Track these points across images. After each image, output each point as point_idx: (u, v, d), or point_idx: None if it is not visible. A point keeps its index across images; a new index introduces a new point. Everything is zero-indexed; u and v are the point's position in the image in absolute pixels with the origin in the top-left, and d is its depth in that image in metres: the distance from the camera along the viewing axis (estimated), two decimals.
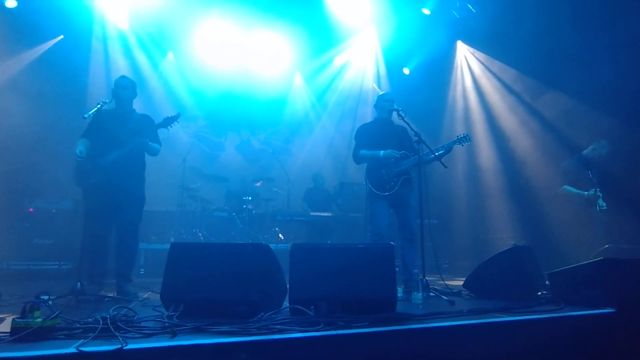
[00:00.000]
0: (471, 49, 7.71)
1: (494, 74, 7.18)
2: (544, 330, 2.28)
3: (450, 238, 7.07)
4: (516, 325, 2.23)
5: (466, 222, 7.56)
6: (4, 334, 1.73)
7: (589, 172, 4.64)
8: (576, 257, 4.62)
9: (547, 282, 3.19)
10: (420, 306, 2.79)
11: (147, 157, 3.67)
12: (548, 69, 6.16)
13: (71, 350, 1.53)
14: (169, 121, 3.49)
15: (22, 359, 1.47)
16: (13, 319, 1.77)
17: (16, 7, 5.97)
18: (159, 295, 2.44)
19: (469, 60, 7.79)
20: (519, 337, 2.20)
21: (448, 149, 3.67)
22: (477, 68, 7.57)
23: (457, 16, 7.24)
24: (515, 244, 3.40)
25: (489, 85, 7.28)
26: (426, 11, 7.12)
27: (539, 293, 3.20)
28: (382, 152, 3.68)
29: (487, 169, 7.18)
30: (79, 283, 2.93)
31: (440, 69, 8.03)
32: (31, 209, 5.36)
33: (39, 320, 1.76)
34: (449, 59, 8.02)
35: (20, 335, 1.71)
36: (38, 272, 5.11)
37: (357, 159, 3.86)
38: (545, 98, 6.24)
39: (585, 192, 4.61)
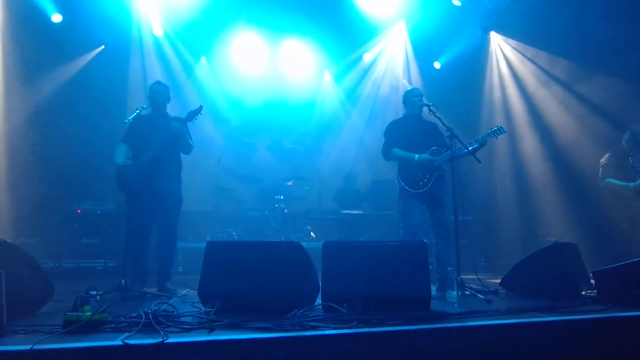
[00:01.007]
0: (505, 38, 7.40)
1: (532, 61, 6.82)
2: (589, 332, 2.16)
3: (487, 235, 6.83)
4: (559, 326, 2.13)
5: (505, 218, 7.28)
6: (57, 327, 1.86)
7: (630, 159, 4.33)
8: (626, 254, 4.35)
9: (592, 281, 3.03)
10: (456, 304, 2.73)
11: (183, 159, 3.81)
12: (590, 53, 5.77)
13: (117, 342, 1.63)
14: (192, 114, 3.58)
15: (73, 349, 1.58)
16: (65, 313, 1.90)
17: (61, 21, 6.40)
18: (197, 292, 2.53)
19: (503, 50, 7.48)
20: (562, 339, 2.10)
21: (482, 143, 3.56)
22: (513, 57, 7.24)
23: (490, 6, 6.98)
24: (555, 241, 3.24)
25: (527, 73, 6.91)
26: (457, 2, 6.91)
27: (583, 292, 3.04)
28: (416, 156, 3.59)
29: (529, 161, 6.85)
30: (123, 280, 3.10)
31: (473, 60, 7.77)
32: (79, 210, 5.70)
33: (88, 314, 1.88)
34: (482, 50, 7.75)
35: (72, 327, 1.83)
36: (86, 269, 5.44)
37: (388, 156, 3.80)
38: (591, 82, 5.83)
39: (632, 184, 4.31)
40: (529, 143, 6.85)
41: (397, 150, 3.70)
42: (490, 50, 7.73)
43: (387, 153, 3.79)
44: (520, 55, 7.10)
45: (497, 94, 7.54)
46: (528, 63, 6.93)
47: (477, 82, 7.86)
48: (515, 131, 6.99)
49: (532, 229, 6.66)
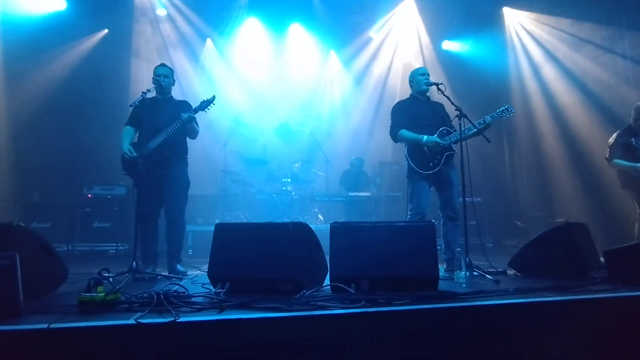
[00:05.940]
0: (524, 12, 7.15)
1: (561, 30, 6.56)
2: (599, 311, 2.16)
3: (497, 217, 6.79)
4: (567, 306, 2.12)
5: (515, 200, 7.21)
6: (72, 307, 1.91)
7: (632, 140, 4.24)
8: (635, 234, 4.31)
9: (602, 261, 3.00)
10: (464, 285, 2.73)
11: (190, 143, 3.81)
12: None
13: (131, 321, 1.67)
14: (205, 104, 3.60)
15: (89, 328, 1.62)
16: (79, 294, 1.95)
17: (66, 8, 6.38)
18: (206, 273, 2.56)
19: (523, 23, 7.23)
20: (571, 318, 2.09)
21: (489, 124, 3.51)
22: (537, 29, 6.98)
23: None
24: (566, 221, 3.21)
25: (558, 43, 6.64)
26: None
27: (593, 273, 3.02)
28: (424, 138, 3.54)
29: (544, 141, 6.67)
30: (134, 262, 3.15)
31: (489, 37, 7.55)
32: (90, 195, 5.79)
33: (102, 294, 1.92)
34: (498, 26, 7.53)
35: (86, 308, 1.87)
36: (99, 252, 5.56)
37: (396, 138, 3.76)
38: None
39: (639, 164, 4.22)
40: (546, 123, 6.64)
41: (404, 132, 3.65)
42: (506, 25, 7.49)
43: (394, 135, 3.74)
44: (545, 26, 6.84)
45: (526, 70, 7.27)
46: (556, 32, 6.65)
47: (497, 59, 7.63)
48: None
49: (542, 210, 6.61)
